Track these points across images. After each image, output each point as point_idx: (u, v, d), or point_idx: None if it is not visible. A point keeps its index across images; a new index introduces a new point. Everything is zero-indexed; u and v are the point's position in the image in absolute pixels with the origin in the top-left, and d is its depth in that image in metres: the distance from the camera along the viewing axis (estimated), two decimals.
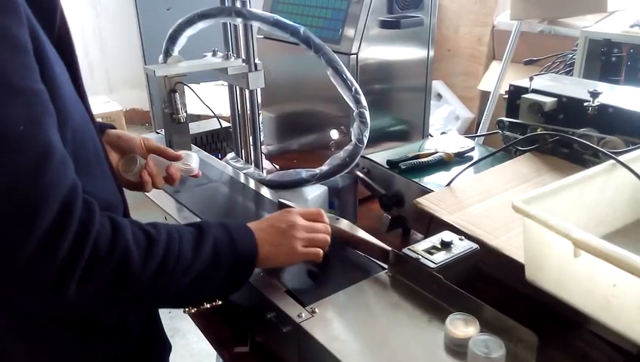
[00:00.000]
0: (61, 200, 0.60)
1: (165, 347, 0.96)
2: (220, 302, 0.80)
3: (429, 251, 0.82)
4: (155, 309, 0.92)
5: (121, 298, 0.66)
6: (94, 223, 0.62)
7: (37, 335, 0.73)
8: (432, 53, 1.44)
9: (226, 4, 1.22)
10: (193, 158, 0.98)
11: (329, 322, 0.75)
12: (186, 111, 1.23)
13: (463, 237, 0.86)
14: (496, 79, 2.89)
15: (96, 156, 0.75)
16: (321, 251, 0.85)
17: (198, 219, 1.05)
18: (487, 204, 0.98)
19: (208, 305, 0.79)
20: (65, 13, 0.73)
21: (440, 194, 1.02)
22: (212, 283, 0.74)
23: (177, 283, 0.69)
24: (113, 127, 0.98)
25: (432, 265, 0.79)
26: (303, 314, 0.76)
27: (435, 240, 0.85)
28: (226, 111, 1.82)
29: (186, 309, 0.82)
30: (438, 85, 3.54)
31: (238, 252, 0.76)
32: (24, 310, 0.70)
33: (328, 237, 0.87)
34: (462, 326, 0.68)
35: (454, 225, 0.91)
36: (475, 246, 0.84)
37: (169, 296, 0.71)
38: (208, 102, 1.39)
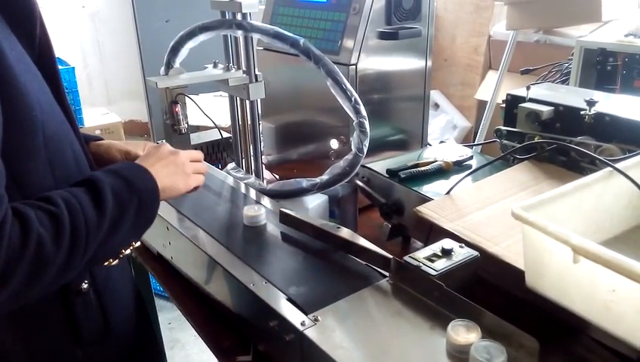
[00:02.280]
0: None
1: (158, 356, 0.96)
2: (136, 244, 0.82)
3: (429, 259, 0.83)
4: (140, 308, 0.94)
5: (44, 280, 0.66)
6: (5, 225, 0.62)
7: (18, 342, 0.75)
8: (429, 63, 1.46)
9: (227, 17, 1.24)
10: None
11: (332, 330, 0.75)
12: (187, 123, 1.24)
13: (463, 245, 0.86)
14: (492, 88, 2.92)
15: (77, 164, 0.77)
16: (203, 178, 0.92)
17: (200, 231, 1.05)
18: (487, 211, 0.99)
19: (127, 251, 0.80)
20: (46, 27, 0.75)
21: (440, 203, 1.03)
22: (124, 231, 0.74)
23: (93, 246, 0.70)
24: (99, 139, 0.99)
25: (433, 273, 0.80)
26: (306, 322, 0.76)
27: (435, 247, 0.85)
28: (225, 122, 1.83)
29: (108, 262, 0.80)
30: (435, 95, 3.56)
31: (139, 191, 0.76)
32: None
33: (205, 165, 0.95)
34: (463, 333, 0.69)
35: (454, 232, 0.92)
36: (475, 253, 0.85)
37: (89, 259, 0.71)
38: (208, 113, 1.41)
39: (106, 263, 0.79)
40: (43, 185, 0.72)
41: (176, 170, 0.85)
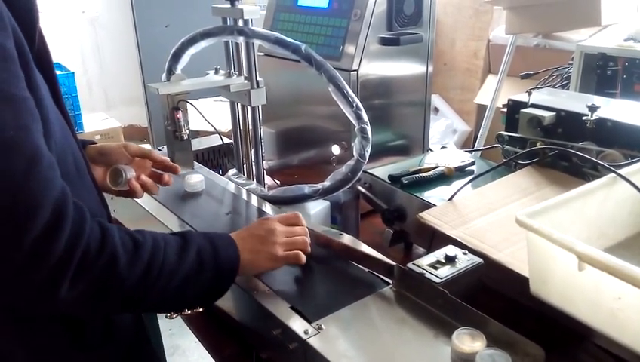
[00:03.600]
0: (54, 203, 0.62)
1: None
2: (200, 309, 0.84)
3: (433, 266, 0.83)
4: (140, 315, 0.94)
5: (108, 299, 0.69)
6: (86, 226, 0.64)
7: (18, 343, 0.74)
8: (430, 68, 1.46)
9: (228, 23, 1.24)
10: (198, 177, 1.00)
11: (335, 338, 0.75)
12: (188, 129, 1.24)
13: (466, 252, 0.86)
14: (492, 93, 2.92)
15: (77, 169, 0.78)
16: (301, 253, 0.88)
17: None
18: (490, 217, 0.99)
19: (189, 311, 0.83)
20: (43, 33, 0.75)
21: (442, 209, 1.03)
22: (195, 289, 0.77)
23: (162, 288, 0.72)
24: (93, 143, 1.01)
25: (437, 280, 0.79)
26: (310, 331, 0.76)
27: (439, 254, 0.85)
28: (225, 127, 1.83)
29: (168, 314, 0.85)
30: (435, 99, 3.57)
31: (220, 258, 0.79)
32: (15, 310, 0.71)
33: (307, 239, 0.91)
34: (468, 341, 0.69)
35: (458, 239, 0.92)
36: (479, 260, 0.85)
37: (153, 300, 0.73)
38: (208, 117, 1.41)
39: (167, 315, 0.83)
40: None
41: (262, 249, 0.86)
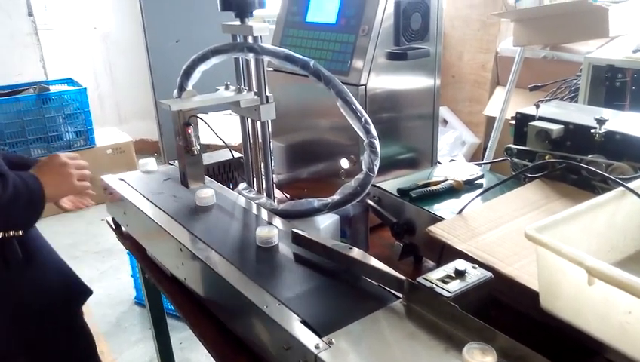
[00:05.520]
0: None
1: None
2: (21, 232, 1.20)
3: (443, 280, 0.83)
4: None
5: None
6: None
7: None
8: (438, 81, 1.47)
9: (238, 39, 1.26)
10: (208, 192, 1.02)
11: (346, 353, 0.75)
12: (199, 144, 1.25)
13: (476, 266, 0.86)
14: (501, 104, 2.92)
15: None
16: (89, 184, 1.28)
17: (213, 252, 1.06)
18: (499, 231, 0.99)
19: (12, 233, 1.19)
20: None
21: (452, 223, 1.03)
22: (17, 210, 1.12)
23: None
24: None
25: (447, 294, 0.79)
26: (320, 345, 0.76)
27: (448, 268, 0.85)
28: (234, 141, 1.85)
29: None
30: (443, 111, 3.58)
31: (29, 189, 1.13)
32: None
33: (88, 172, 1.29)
34: (479, 356, 0.69)
35: (467, 253, 0.92)
36: (488, 274, 0.85)
37: None
38: (217, 132, 1.42)
39: None
40: None
41: (62, 181, 1.21)
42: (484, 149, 3.14)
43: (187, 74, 1.24)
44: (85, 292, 1.43)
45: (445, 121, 3.61)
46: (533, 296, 0.80)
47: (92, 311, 2.82)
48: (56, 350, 1.37)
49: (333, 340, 0.77)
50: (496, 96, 3.36)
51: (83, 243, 3.54)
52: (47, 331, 1.32)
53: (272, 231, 1.06)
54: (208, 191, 1.25)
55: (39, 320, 1.30)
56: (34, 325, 1.30)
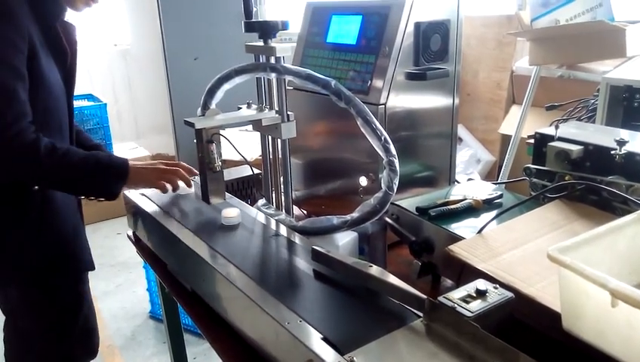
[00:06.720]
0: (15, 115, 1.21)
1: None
2: (102, 199, 1.40)
3: (464, 299, 0.83)
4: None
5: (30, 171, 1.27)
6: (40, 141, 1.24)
7: None
8: (457, 100, 1.49)
9: (260, 60, 1.29)
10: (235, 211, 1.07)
11: None
12: (221, 160, 1.28)
13: (497, 286, 0.87)
14: (516, 123, 2.92)
15: (60, 129, 1.39)
16: (176, 178, 1.45)
17: (233, 267, 1.08)
18: (519, 251, 1.00)
19: (93, 198, 1.42)
20: (76, 59, 1.44)
21: (472, 242, 1.04)
22: (97, 180, 1.34)
23: (70, 173, 1.30)
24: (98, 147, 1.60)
25: (468, 314, 0.80)
26: None
27: (469, 288, 0.86)
28: (251, 156, 1.87)
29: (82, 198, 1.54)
30: (458, 129, 3.56)
31: (113, 162, 1.36)
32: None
33: (185, 173, 1.47)
34: None
35: (488, 273, 0.93)
36: (509, 294, 0.85)
37: (64, 180, 1.32)
38: (236, 147, 1.44)
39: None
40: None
41: (149, 172, 1.43)
42: (500, 167, 3.13)
43: (211, 93, 1.27)
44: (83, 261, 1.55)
45: (460, 139, 3.61)
46: (555, 316, 0.80)
47: (107, 325, 2.85)
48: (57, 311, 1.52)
49: (354, 358, 0.78)
50: (512, 115, 3.36)
51: (99, 257, 3.55)
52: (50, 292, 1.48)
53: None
54: (234, 211, 1.27)
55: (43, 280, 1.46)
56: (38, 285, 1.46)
